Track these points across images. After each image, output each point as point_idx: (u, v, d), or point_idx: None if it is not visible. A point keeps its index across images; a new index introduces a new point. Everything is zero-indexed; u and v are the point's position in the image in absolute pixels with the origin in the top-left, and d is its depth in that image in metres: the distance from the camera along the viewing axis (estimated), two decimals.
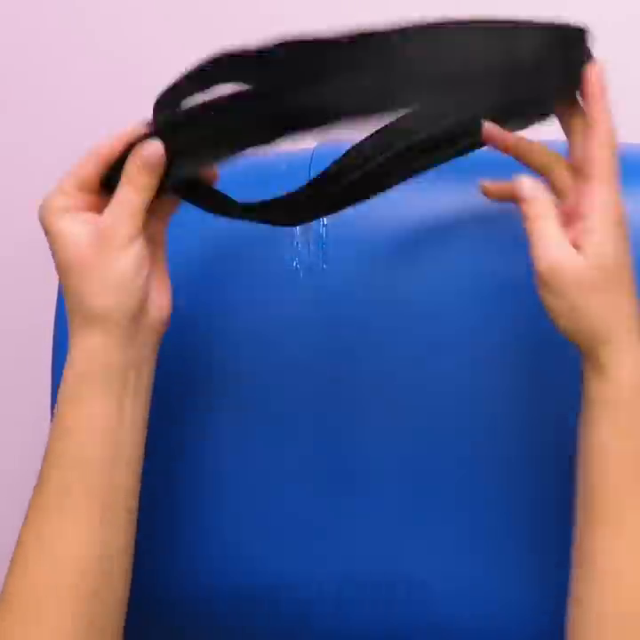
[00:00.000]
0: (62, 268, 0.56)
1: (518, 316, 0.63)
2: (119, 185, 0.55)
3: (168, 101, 0.59)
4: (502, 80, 0.51)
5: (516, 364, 0.63)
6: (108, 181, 0.56)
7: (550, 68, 0.52)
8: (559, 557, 0.63)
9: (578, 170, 0.55)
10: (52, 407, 0.71)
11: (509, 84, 0.51)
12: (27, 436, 0.90)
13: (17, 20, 0.89)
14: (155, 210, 0.58)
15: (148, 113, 0.83)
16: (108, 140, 0.56)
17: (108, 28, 0.87)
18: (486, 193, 0.61)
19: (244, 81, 0.57)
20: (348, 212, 0.67)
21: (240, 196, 0.68)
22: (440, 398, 0.65)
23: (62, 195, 0.56)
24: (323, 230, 0.66)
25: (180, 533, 0.64)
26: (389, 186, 0.58)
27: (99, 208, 0.56)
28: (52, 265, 0.73)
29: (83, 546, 0.54)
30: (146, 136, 0.54)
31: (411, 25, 0.50)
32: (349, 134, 0.78)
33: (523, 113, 0.54)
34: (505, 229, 0.62)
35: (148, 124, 0.56)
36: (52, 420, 0.56)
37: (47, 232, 0.56)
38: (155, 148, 0.54)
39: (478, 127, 0.58)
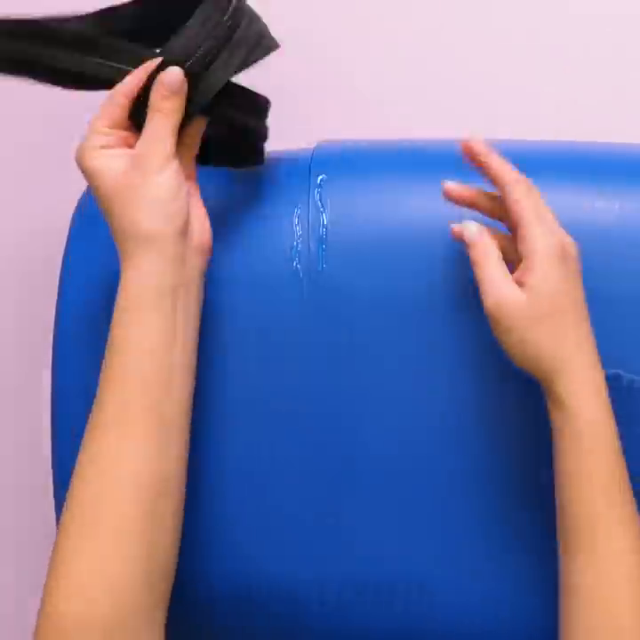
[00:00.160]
0: (105, 201, 0.58)
1: None
2: (148, 116, 0.58)
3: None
4: None
5: None
6: (136, 118, 0.59)
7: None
8: None
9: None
10: (53, 407, 0.71)
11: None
12: (26, 436, 0.89)
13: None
14: (182, 138, 0.60)
15: None
16: (127, 79, 0.59)
17: None
18: (447, 194, 0.61)
19: None
20: (348, 212, 0.66)
21: (240, 195, 0.68)
22: (441, 398, 0.65)
23: (95, 134, 0.59)
24: (323, 231, 0.66)
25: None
26: None
27: (131, 144, 0.59)
28: (53, 265, 0.73)
29: (140, 461, 0.55)
30: (161, 67, 0.58)
31: None
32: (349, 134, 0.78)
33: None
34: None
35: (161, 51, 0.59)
36: (106, 345, 0.58)
37: (84, 171, 0.59)
38: (175, 72, 0.58)
39: None
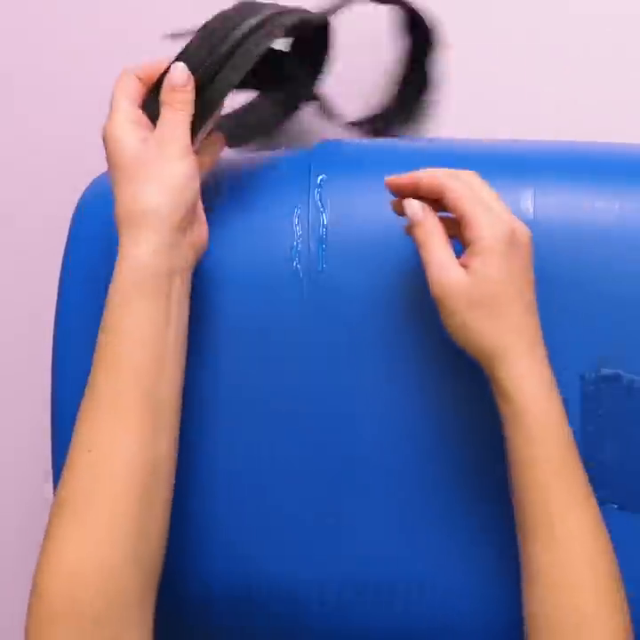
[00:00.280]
0: (119, 169, 0.59)
1: None
2: (162, 111, 0.60)
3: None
4: None
5: None
6: (148, 112, 0.61)
7: None
8: None
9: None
10: (53, 407, 0.71)
11: None
12: (26, 436, 0.90)
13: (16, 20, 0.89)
14: (200, 153, 0.62)
15: None
16: (143, 64, 0.62)
17: (108, 28, 0.87)
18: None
19: None
20: (348, 212, 0.67)
21: (240, 195, 0.68)
22: (441, 398, 0.65)
23: (130, 109, 0.61)
24: (323, 231, 0.66)
25: (178, 534, 0.64)
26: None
27: (150, 127, 0.61)
28: (52, 264, 0.73)
29: (133, 447, 0.56)
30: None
31: None
32: (349, 134, 0.78)
33: None
34: None
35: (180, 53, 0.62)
36: (99, 328, 0.58)
37: (108, 138, 0.60)
38: (179, 69, 0.60)
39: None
